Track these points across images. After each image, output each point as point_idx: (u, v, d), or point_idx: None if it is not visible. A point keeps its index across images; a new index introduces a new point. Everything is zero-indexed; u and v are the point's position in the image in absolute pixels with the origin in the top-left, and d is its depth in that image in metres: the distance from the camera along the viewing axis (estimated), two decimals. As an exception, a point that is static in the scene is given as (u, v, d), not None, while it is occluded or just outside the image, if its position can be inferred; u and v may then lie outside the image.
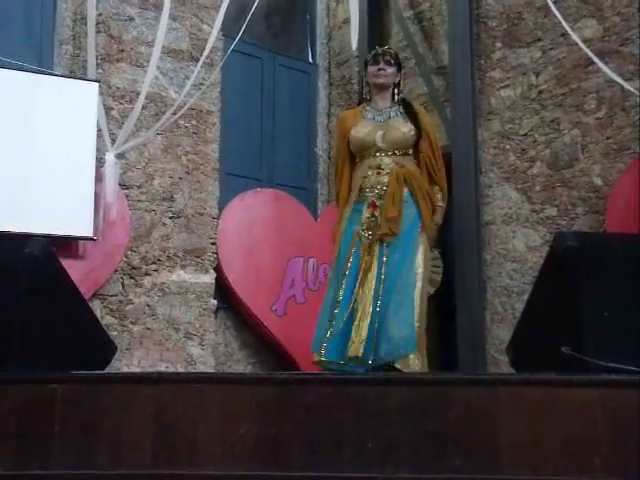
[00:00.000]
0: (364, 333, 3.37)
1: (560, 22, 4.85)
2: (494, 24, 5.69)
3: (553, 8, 4.83)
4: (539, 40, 5.39)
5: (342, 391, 2.27)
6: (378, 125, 3.64)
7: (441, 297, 5.92)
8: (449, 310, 5.71)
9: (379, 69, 3.69)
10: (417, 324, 3.50)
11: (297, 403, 2.27)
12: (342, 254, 3.55)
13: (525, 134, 5.44)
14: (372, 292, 3.43)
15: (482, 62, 5.73)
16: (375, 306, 3.43)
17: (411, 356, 3.44)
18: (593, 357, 2.16)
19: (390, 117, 3.68)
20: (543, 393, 2.08)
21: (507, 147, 5.53)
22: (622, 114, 4.86)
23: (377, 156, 3.59)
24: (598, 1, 5.01)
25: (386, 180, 3.53)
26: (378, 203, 3.52)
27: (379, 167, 3.56)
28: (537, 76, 5.40)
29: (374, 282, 3.43)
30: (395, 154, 3.60)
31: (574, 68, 5.14)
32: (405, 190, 3.56)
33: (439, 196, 3.77)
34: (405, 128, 3.64)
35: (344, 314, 3.43)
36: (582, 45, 4.66)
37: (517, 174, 5.47)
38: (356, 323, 3.40)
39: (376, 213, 3.52)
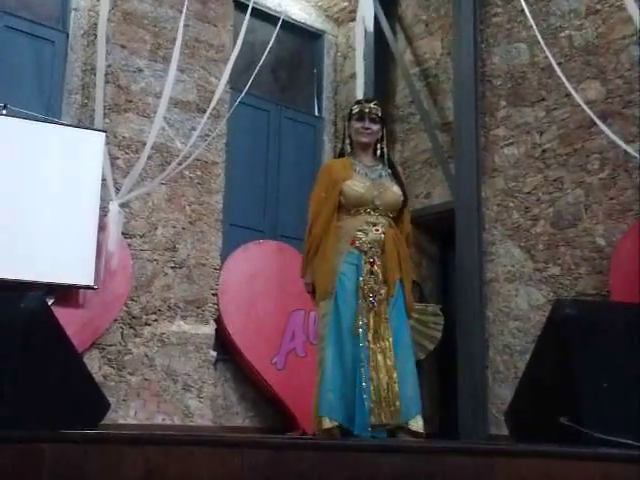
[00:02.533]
0: (397, 399, 3.26)
1: (564, 83, 4.90)
2: (499, 83, 5.75)
3: (557, 69, 4.88)
4: (543, 100, 5.43)
5: (336, 458, 2.22)
6: (373, 183, 3.54)
7: (443, 354, 5.91)
8: (451, 368, 5.66)
9: (364, 127, 3.58)
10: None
11: (290, 469, 2.21)
12: (344, 311, 3.36)
13: (529, 192, 5.45)
14: (392, 356, 3.31)
15: (487, 120, 5.77)
16: (396, 368, 3.32)
17: (419, 415, 3.37)
18: (591, 429, 2.11)
19: (381, 176, 3.59)
20: (540, 465, 2.02)
21: (511, 205, 5.54)
22: (625, 175, 4.87)
23: (372, 214, 3.49)
24: (601, 64, 5.06)
25: (382, 238, 3.46)
26: (377, 260, 3.43)
27: (375, 224, 3.48)
28: (541, 135, 5.43)
29: (389, 345, 3.32)
30: (388, 215, 3.54)
31: (578, 128, 5.18)
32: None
33: None
34: (397, 191, 3.58)
35: (359, 379, 3.27)
36: (585, 107, 4.70)
37: (520, 232, 5.46)
38: (384, 388, 3.26)
39: (374, 270, 3.41)
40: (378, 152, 3.65)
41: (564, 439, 2.21)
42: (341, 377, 3.30)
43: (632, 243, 4.71)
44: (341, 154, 3.76)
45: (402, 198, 3.59)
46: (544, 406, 2.34)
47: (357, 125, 3.59)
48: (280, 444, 2.32)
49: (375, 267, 3.42)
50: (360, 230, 3.47)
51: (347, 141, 3.69)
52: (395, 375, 3.28)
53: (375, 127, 3.60)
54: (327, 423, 3.24)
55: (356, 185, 3.51)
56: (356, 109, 3.63)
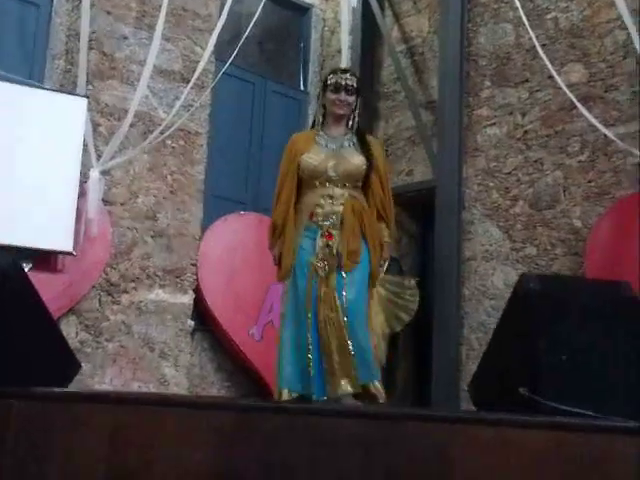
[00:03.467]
0: (352, 368, 3.23)
1: (547, 65, 4.92)
2: (484, 63, 5.77)
3: (540, 52, 4.90)
4: (527, 81, 5.46)
5: (299, 421, 2.26)
6: (330, 154, 3.45)
7: (419, 331, 5.97)
8: (426, 344, 5.72)
9: (340, 99, 3.46)
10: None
11: (254, 431, 2.25)
12: (300, 287, 3.36)
13: (509, 172, 5.49)
14: (344, 325, 3.26)
15: (470, 99, 5.80)
16: (349, 337, 3.27)
17: (377, 381, 3.34)
18: (549, 399, 2.16)
19: (343, 146, 3.48)
20: (497, 433, 2.07)
21: (491, 184, 5.58)
22: (604, 158, 4.92)
23: (328, 186, 3.41)
24: (585, 47, 5.09)
25: (340, 210, 3.38)
26: (334, 233, 3.37)
27: (332, 197, 3.40)
28: (523, 116, 5.46)
29: (340, 314, 3.28)
30: (346, 186, 3.42)
31: (559, 110, 5.21)
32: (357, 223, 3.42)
33: (386, 232, 3.55)
34: (357, 160, 3.44)
35: (317, 350, 3.28)
36: (566, 90, 4.72)
37: (499, 212, 5.51)
38: (336, 360, 3.23)
39: (331, 243, 3.36)
40: (351, 123, 3.54)
41: (524, 409, 2.26)
42: (298, 351, 3.31)
43: (608, 226, 4.78)
44: (313, 125, 3.65)
45: (363, 167, 3.45)
46: (506, 377, 2.39)
47: (332, 97, 3.48)
48: (245, 407, 2.36)
49: (332, 240, 3.36)
50: (318, 204, 3.41)
51: (321, 112, 3.57)
52: (350, 343, 3.25)
53: (351, 99, 3.49)
54: (286, 395, 3.29)
55: (311, 158, 3.44)
56: (332, 79, 3.51)
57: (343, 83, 3.47)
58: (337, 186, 3.42)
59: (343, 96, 3.47)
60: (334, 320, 3.27)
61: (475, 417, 2.21)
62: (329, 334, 3.27)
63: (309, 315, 3.30)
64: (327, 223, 3.38)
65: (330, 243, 3.36)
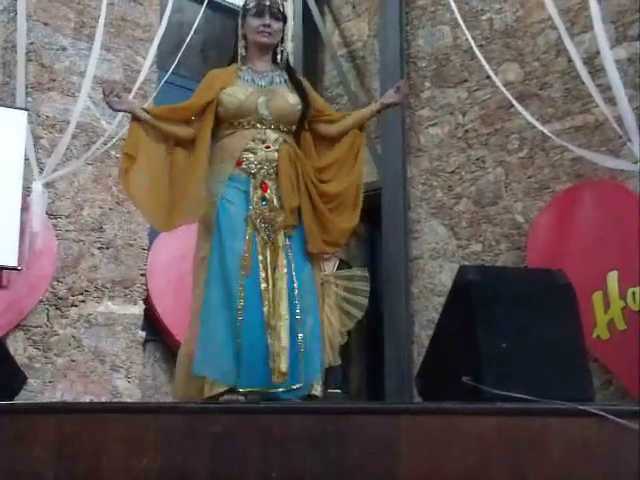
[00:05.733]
0: (284, 358, 2.72)
1: (484, 65, 5.04)
2: (423, 64, 5.87)
3: (477, 52, 5.00)
4: (465, 81, 5.58)
5: (248, 420, 2.28)
6: (260, 90, 2.94)
7: (370, 330, 6.04)
8: (378, 343, 5.78)
9: (265, 25, 2.92)
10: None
11: (203, 432, 2.26)
12: (230, 247, 2.80)
13: (452, 171, 5.60)
14: (287, 299, 2.78)
15: (412, 101, 5.89)
16: (294, 316, 2.81)
17: (319, 380, 2.96)
18: (491, 387, 2.22)
19: (273, 82, 2.99)
20: (441, 421, 2.12)
21: (435, 184, 5.68)
22: (542, 154, 5.06)
23: (258, 127, 2.91)
24: (519, 46, 5.23)
25: (276, 157, 2.89)
26: (270, 184, 2.89)
27: (264, 141, 2.91)
28: (464, 115, 5.58)
29: (286, 285, 2.80)
30: (279, 129, 2.94)
31: (498, 109, 5.34)
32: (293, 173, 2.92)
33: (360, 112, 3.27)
34: (292, 99, 2.96)
35: (257, 326, 2.75)
36: (503, 89, 4.84)
37: (444, 210, 5.61)
38: (277, 341, 2.73)
39: (267, 195, 2.88)
40: (278, 57, 3.06)
41: (468, 397, 2.32)
42: (229, 328, 2.76)
43: (548, 220, 4.91)
44: (232, 61, 3.09)
45: (298, 107, 2.97)
46: (450, 367, 2.45)
47: (255, 23, 2.94)
48: (193, 409, 2.37)
49: (268, 192, 2.88)
50: (247, 149, 2.91)
51: (241, 44, 3.02)
52: (284, 324, 2.75)
53: (277, 25, 2.97)
54: (216, 388, 2.82)
55: (236, 92, 2.92)
56: (252, 2, 2.98)
57: (267, 3, 2.96)
58: (270, 129, 2.94)
59: (268, 20, 2.94)
60: (280, 290, 2.79)
61: (420, 407, 2.26)
62: (275, 309, 2.77)
63: (242, 283, 2.77)
64: (262, 172, 2.90)
65: (266, 196, 2.89)
